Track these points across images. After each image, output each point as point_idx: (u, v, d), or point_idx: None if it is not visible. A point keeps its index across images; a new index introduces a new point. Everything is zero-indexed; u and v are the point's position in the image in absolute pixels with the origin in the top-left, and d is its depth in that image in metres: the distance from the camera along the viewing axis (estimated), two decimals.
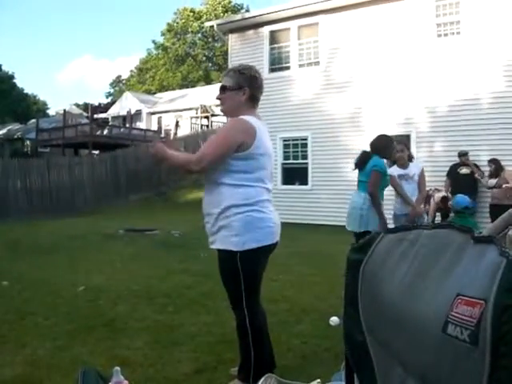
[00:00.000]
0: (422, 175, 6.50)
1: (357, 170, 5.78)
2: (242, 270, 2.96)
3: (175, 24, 50.69)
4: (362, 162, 5.72)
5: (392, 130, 12.75)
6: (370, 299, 0.97)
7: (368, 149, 5.84)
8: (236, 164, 2.94)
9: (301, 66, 14.62)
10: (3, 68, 54.05)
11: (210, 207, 3.06)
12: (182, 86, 46.97)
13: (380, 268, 0.96)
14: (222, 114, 3.39)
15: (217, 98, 3.21)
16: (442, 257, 0.87)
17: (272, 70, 15.00)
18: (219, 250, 3.05)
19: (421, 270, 0.88)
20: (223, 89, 3.13)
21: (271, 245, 3.05)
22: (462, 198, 6.74)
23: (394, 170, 6.42)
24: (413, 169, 6.51)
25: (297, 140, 14.54)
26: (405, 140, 6.51)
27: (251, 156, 2.95)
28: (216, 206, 3.00)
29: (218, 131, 3.05)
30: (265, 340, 3.15)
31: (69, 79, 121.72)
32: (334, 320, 4.51)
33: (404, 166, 6.47)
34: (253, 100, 3.15)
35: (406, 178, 6.42)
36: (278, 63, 15.02)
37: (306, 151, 14.42)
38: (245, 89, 3.08)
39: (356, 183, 5.81)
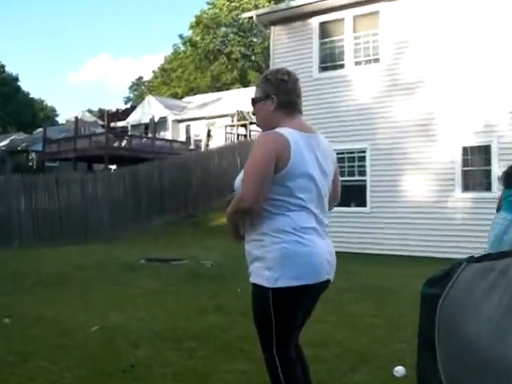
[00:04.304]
0: None
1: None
2: (274, 311, 2.91)
3: (205, 15, 50.65)
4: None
5: (469, 141, 12.60)
6: (451, 341, 0.95)
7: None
8: (272, 187, 2.89)
9: (357, 63, 14.62)
10: (6, 69, 55.66)
11: (248, 233, 3.05)
12: (211, 88, 47.26)
13: (463, 303, 0.94)
14: None
15: (253, 114, 3.28)
16: None
17: (323, 69, 15.06)
18: (253, 284, 3.02)
19: None
20: (253, 102, 3.17)
21: (316, 284, 2.96)
22: None
23: None
24: None
25: (353, 153, 14.49)
26: None
27: (288, 176, 2.89)
28: (252, 232, 3.00)
29: (250, 154, 3.00)
30: None
31: (82, 82, 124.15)
32: (399, 370, 4.44)
33: None
34: (287, 107, 3.08)
35: None
36: (330, 61, 15.06)
37: (363, 166, 14.36)
38: (272, 97, 3.05)
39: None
